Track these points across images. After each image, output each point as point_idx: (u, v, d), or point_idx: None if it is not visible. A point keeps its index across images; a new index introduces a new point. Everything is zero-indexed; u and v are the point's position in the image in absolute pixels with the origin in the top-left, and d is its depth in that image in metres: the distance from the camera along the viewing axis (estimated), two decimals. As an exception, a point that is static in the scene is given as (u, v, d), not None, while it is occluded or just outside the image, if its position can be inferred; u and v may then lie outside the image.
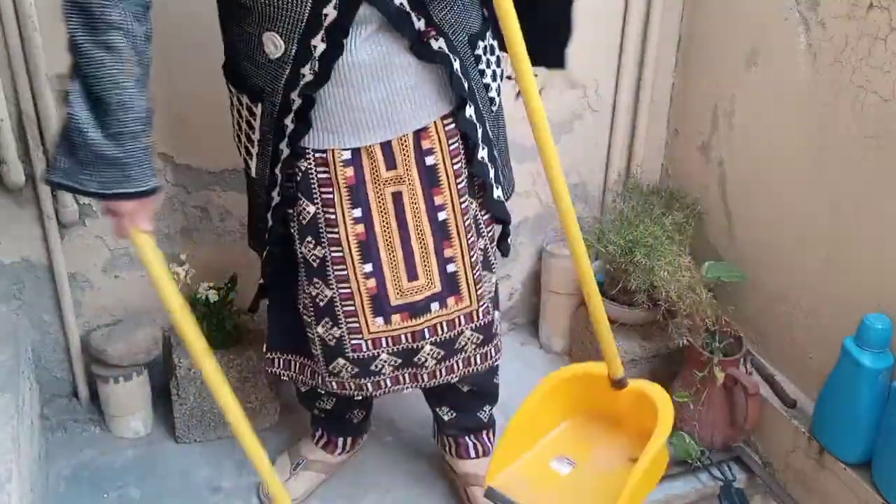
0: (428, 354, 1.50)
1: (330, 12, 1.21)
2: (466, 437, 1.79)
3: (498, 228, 1.57)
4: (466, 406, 1.75)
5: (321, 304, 1.45)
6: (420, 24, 1.28)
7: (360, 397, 1.58)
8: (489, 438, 1.82)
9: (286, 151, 1.36)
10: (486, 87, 1.45)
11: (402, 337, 1.48)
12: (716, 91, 2.05)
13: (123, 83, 1.15)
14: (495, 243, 1.58)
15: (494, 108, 1.48)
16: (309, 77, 1.27)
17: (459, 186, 1.41)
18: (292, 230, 1.43)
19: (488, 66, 1.44)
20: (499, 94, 1.49)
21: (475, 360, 1.56)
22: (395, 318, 1.46)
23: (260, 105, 1.35)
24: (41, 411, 1.91)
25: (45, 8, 1.61)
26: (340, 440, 1.83)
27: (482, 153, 1.43)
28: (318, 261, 1.42)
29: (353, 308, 1.44)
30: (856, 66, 1.64)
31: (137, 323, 1.91)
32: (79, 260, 1.86)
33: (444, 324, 1.49)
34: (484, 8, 1.42)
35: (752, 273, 1.98)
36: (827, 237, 1.77)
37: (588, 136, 2.20)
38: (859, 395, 1.62)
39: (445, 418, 1.77)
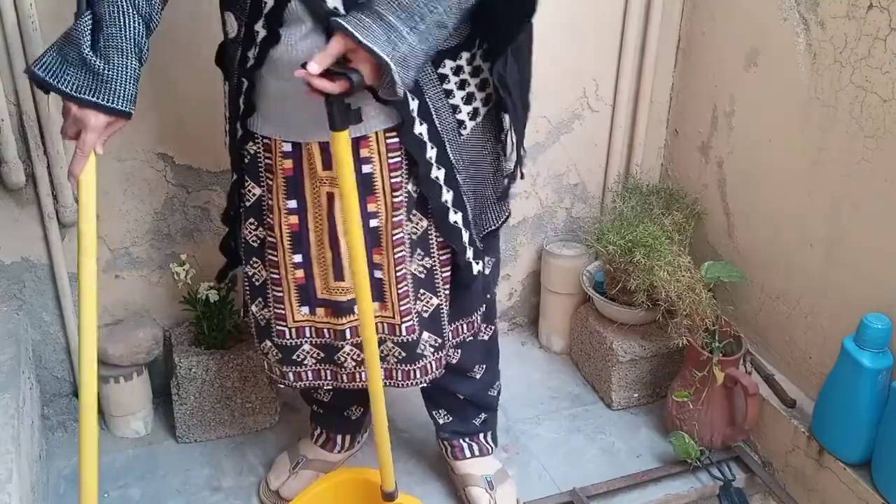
0: (348, 355, 1.50)
1: (269, 1, 1.24)
2: (461, 440, 1.79)
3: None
4: (461, 411, 1.76)
5: (256, 283, 1.51)
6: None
7: (282, 385, 1.60)
8: (485, 439, 1.82)
9: (240, 131, 1.41)
10: (454, 108, 1.39)
11: (325, 331, 1.49)
12: (716, 91, 2.05)
13: (124, 4, 1.21)
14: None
15: (464, 132, 1.42)
16: (252, 61, 1.31)
17: (395, 200, 1.38)
18: (240, 209, 1.48)
19: (461, 88, 1.39)
20: (474, 118, 1.43)
21: (396, 374, 1.54)
22: (320, 311, 1.47)
23: (227, 84, 1.41)
24: (41, 411, 1.91)
25: (45, 8, 1.61)
26: (339, 437, 1.83)
27: (436, 173, 1.39)
28: (257, 241, 1.47)
29: (281, 294, 1.46)
30: (856, 66, 1.64)
31: (137, 323, 1.91)
32: (79, 260, 1.85)
33: None
34: (472, 26, 1.37)
35: (752, 273, 1.98)
36: (827, 237, 1.77)
37: (588, 136, 2.20)
38: (859, 394, 1.62)
39: (441, 421, 1.78)
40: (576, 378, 2.22)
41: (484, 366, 1.71)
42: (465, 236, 1.46)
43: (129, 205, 1.85)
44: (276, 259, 1.44)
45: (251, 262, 1.50)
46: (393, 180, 1.37)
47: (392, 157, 1.36)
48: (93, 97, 1.17)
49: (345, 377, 1.53)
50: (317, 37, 1.23)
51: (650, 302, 1.91)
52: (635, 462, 1.93)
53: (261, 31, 1.26)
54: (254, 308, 1.53)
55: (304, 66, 1.13)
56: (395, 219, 1.40)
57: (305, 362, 1.53)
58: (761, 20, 1.87)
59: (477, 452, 1.80)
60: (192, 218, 1.92)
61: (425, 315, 1.49)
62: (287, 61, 1.26)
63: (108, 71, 1.18)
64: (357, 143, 1.34)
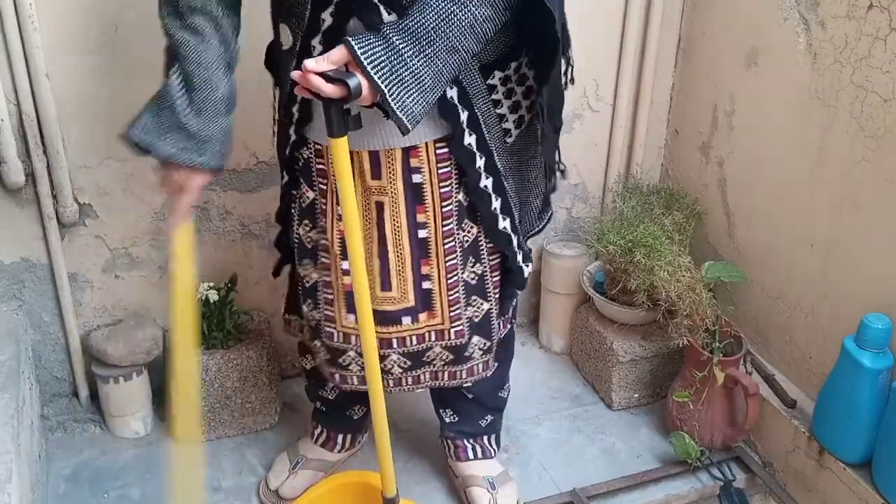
0: (394, 363, 1.51)
1: (327, 18, 1.25)
2: (465, 440, 1.79)
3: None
4: (468, 412, 1.77)
5: (307, 285, 1.52)
6: None
7: (331, 385, 1.61)
8: (489, 442, 1.82)
9: (293, 137, 1.44)
10: (501, 117, 1.41)
11: None
12: (716, 91, 2.05)
13: (208, 62, 1.25)
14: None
15: (510, 140, 1.44)
16: None
17: (444, 209, 1.40)
18: (293, 210, 1.51)
19: (508, 97, 1.40)
20: (519, 126, 1.44)
21: (443, 375, 1.56)
22: None
23: (278, 90, 1.45)
24: (41, 411, 1.91)
25: (45, 8, 1.61)
26: (340, 437, 1.83)
27: (485, 182, 1.41)
28: (311, 243, 1.49)
29: (331, 297, 1.48)
30: (856, 66, 1.64)
31: (137, 323, 1.91)
32: (79, 260, 1.86)
33: (413, 337, 1.49)
34: (515, 36, 1.37)
35: (752, 273, 1.98)
36: (827, 237, 1.77)
37: (588, 135, 2.20)
38: (859, 394, 1.62)
39: (447, 420, 1.78)
40: (576, 378, 2.22)
41: (496, 364, 1.71)
42: (515, 241, 1.49)
43: (129, 205, 1.85)
44: (328, 262, 1.46)
45: (303, 262, 1.52)
46: (443, 190, 1.39)
47: (442, 168, 1.38)
48: (193, 161, 1.25)
49: (391, 382, 1.54)
50: None
51: (650, 302, 1.91)
52: (635, 462, 1.93)
53: (318, 46, 1.28)
54: (305, 309, 1.54)
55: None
56: (445, 228, 1.41)
57: (351, 367, 1.53)
58: (761, 20, 1.87)
59: (480, 455, 1.80)
60: (192, 218, 1.91)
61: (476, 320, 1.52)
62: None
63: (206, 132, 1.25)
64: (407, 152, 1.36)
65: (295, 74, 1.16)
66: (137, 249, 1.90)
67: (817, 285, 1.81)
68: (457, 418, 1.77)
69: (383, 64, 1.14)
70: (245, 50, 1.82)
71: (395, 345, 1.49)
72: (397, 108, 1.16)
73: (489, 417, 1.79)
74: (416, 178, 1.38)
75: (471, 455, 1.79)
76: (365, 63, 1.13)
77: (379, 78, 1.13)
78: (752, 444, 1.95)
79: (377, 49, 1.14)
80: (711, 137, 2.09)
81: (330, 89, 1.14)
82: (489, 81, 1.36)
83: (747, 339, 1.96)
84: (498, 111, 1.40)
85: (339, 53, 1.15)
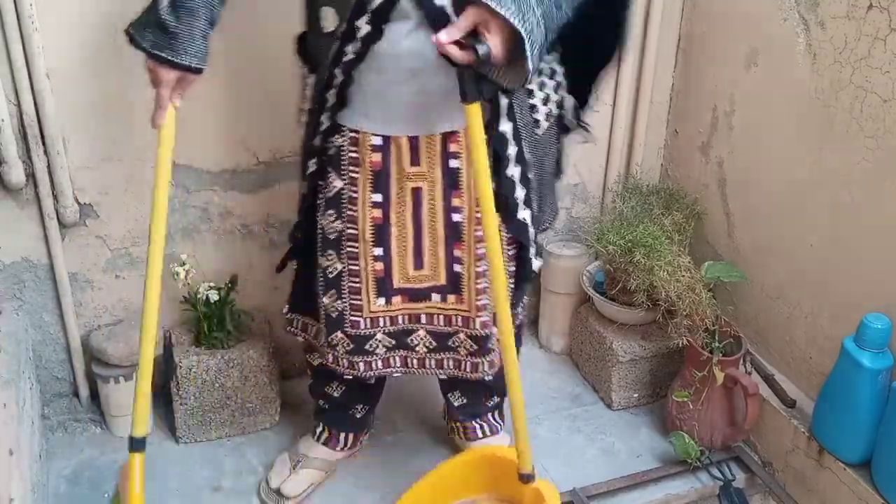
0: (421, 340, 1.56)
1: None
2: (474, 421, 1.84)
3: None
4: (477, 395, 1.80)
5: (330, 276, 1.52)
6: None
7: (351, 376, 1.60)
8: (494, 418, 1.86)
9: (325, 123, 1.44)
10: (532, 107, 1.46)
11: (400, 318, 1.54)
12: (716, 91, 2.05)
13: None
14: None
15: (539, 132, 1.48)
16: (351, 55, 1.33)
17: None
18: (319, 201, 1.50)
19: (541, 89, 1.46)
20: (548, 119, 1.49)
21: (465, 366, 1.59)
22: (396, 299, 1.52)
23: (313, 76, 1.45)
24: (41, 411, 1.91)
25: (45, 8, 1.61)
26: (342, 435, 1.83)
27: (512, 170, 1.44)
28: (334, 234, 1.49)
29: (358, 285, 1.50)
30: (856, 66, 1.64)
31: (137, 323, 1.91)
32: (79, 260, 1.86)
33: (442, 317, 1.54)
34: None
35: (752, 273, 1.98)
36: (827, 237, 1.77)
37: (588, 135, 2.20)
38: (859, 395, 1.62)
39: (456, 403, 1.82)
40: (576, 378, 2.22)
41: None
42: (531, 233, 1.52)
43: (129, 205, 1.85)
44: (356, 251, 1.48)
45: (326, 254, 1.52)
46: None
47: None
48: (163, 53, 1.27)
49: (415, 362, 1.59)
50: (421, 34, 1.28)
51: (650, 302, 1.91)
52: (635, 462, 1.93)
53: (363, 27, 1.30)
54: (326, 300, 1.54)
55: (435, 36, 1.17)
56: (478, 214, 1.43)
57: (377, 351, 1.57)
58: (761, 20, 1.87)
59: (489, 432, 1.85)
60: (192, 218, 1.92)
61: (493, 310, 1.54)
62: (389, 57, 1.32)
63: (178, 30, 1.27)
64: (446, 137, 1.40)
65: (434, 39, 1.16)
66: (138, 249, 1.90)
67: (817, 285, 1.81)
68: (465, 400, 1.81)
69: (515, 13, 1.15)
70: (244, 57, 1.82)
71: (423, 320, 1.54)
72: (529, 61, 1.17)
73: (496, 398, 1.83)
74: (452, 164, 1.42)
75: (480, 434, 1.84)
76: (503, 13, 1.14)
77: (519, 24, 1.14)
78: (752, 444, 1.95)
79: (509, 3, 1.15)
80: (711, 137, 2.09)
81: (461, 55, 1.16)
82: None
83: (747, 339, 1.96)
84: (530, 101, 1.45)
85: (467, 17, 1.16)
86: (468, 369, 1.59)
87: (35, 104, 1.67)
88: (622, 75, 2.13)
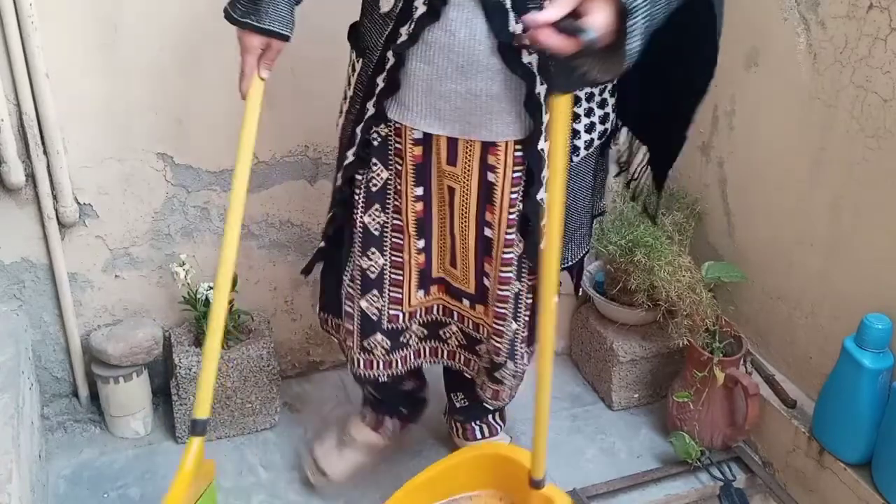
0: (454, 334, 1.56)
1: None
2: (474, 423, 1.84)
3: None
4: (478, 397, 1.76)
5: (371, 276, 1.48)
6: (516, 28, 1.23)
7: (385, 378, 1.57)
8: (495, 420, 1.85)
9: (371, 111, 1.38)
10: (574, 132, 1.38)
11: (435, 307, 1.54)
12: (716, 91, 2.05)
13: None
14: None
15: (575, 159, 1.40)
16: (404, 37, 1.29)
17: (510, 217, 1.38)
18: (357, 196, 1.44)
19: (587, 115, 1.39)
20: (588, 149, 1.42)
21: (485, 381, 1.58)
22: (433, 288, 1.51)
23: (361, 61, 1.39)
24: (41, 411, 1.91)
25: (45, 8, 1.61)
26: (388, 421, 1.79)
27: (542, 194, 1.35)
28: (378, 229, 1.45)
29: (400, 278, 1.48)
30: (856, 66, 1.64)
31: (137, 323, 1.91)
32: (79, 260, 1.86)
33: (471, 321, 1.53)
34: None
35: (752, 273, 1.98)
36: (827, 237, 1.77)
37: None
38: (859, 395, 1.62)
39: (458, 405, 1.81)
40: (576, 378, 2.22)
41: None
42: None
43: (129, 205, 1.85)
44: (400, 242, 1.46)
45: (368, 252, 1.46)
46: (512, 195, 1.37)
47: (516, 171, 1.35)
48: (245, 19, 1.28)
49: (445, 353, 1.58)
50: (476, 27, 1.23)
51: (650, 302, 1.91)
52: (635, 462, 1.93)
53: (420, 6, 1.25)
54: (363, 303, 1.50)
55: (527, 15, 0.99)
56: (507, 236, 1.39)
57: (410, 343, 1.56)
58: (761, 20, 1.87)
59: (487, 433, 1.84)
60: (192, 218, 1.92)
61: (507, 337, 1.50)
62: (441, 46, 1.26)
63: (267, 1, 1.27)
64: (486, 148, 1.34)
65: (528, 18, 0.97)
66: (137, 249, 1.90)
67: (817, 285, 1.81)
68: (467, 403, 1.80)
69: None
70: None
71: (455, 317, 1.54)
72: (632, 42, 0.98)
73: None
74: (489, 177, 1.36)
75: (478, 435, 1.84)
76: None
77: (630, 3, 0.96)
78: (752, 444, 1.95)
79: None
80: (711, 137, 2.09)
81: (566, 44, 0.97)
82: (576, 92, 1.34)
83: (747, 339, 1.96)
84: (574, 125, 1.37)
85: None
86: (487, 394, 1.60)
87: (35, 104, 1.67)
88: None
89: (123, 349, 1.85)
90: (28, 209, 1.76)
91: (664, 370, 2.08)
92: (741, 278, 1.95)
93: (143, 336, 1.88)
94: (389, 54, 1.31)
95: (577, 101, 1.36)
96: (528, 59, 1.26)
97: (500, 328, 1.47)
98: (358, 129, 1.40)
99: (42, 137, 1.70)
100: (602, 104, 1.41)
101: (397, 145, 1.39)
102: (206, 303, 1.86)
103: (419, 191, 1.41)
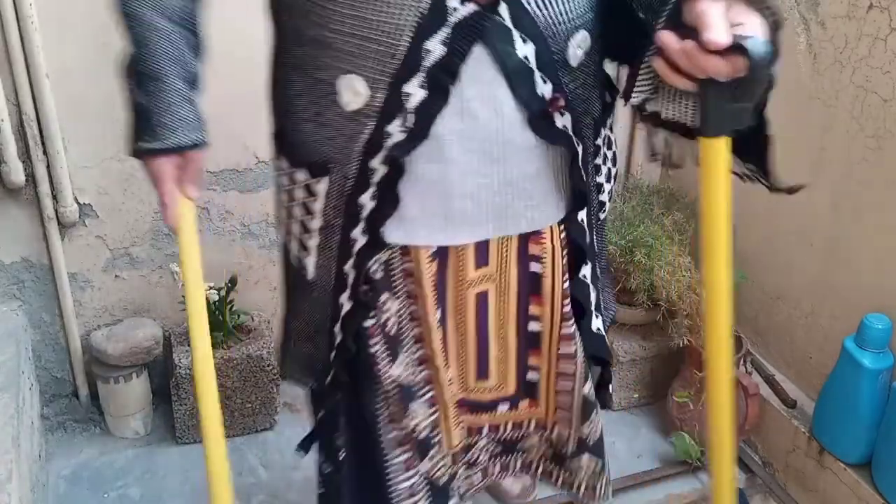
0: (482, 449, 1.25)
1: (435, 48, 0.90)
2: None
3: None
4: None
5: (419, 436, 1.14)
6: (545, 90, 0.97)
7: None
8: None
9: (361, 240, 1.02)
10: (599, 187, 1.16)
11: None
12: (716, 91, 2.05)
13: (141, 14, 1.00)
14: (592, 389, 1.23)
15: (603, 216, 1.20)
16: (398, 136, 0.94)
17: (566, 309, 1.13)
18: (373, 349, 1.08)
19: (604, 163, 1.16)
20: (610, 200, 1.20)
21: (537, 466, 1.30)
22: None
23: (325, 181, 1.01)
24: (41, 411, 1.91)
25: (45, 8, 1.61)
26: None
27: (585, 270, 1.12)
28: (411, 377, 1.12)
29: (436, 411, 1.16)
30: (856, 66, 1.64)
31: (137, 323, 1.91)
32: (79, 260, 1.86)
33: (510, 424, 1.25)
34: (607, 91, 1.16)
35: (752, 273, 1.98)
36: (827, 237, 1.77)
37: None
38: (859, 395, 1.62)
39: None
40: (576, 378, 2.22)
41: None
42: (608, 345, 1.24)
43: (129, 205, 1.85)
44: (433, 382, 1.14)
45: (410, 411, 1.12)
46: (565, 285, 1.12)
47: (565, 255, 1.11)
48: (146, 145, 0.99)
49: (477, 477, 1.28)
50: (502, 98, 0.94)
51: (650, 302, 1.91)
52: (636, 462, 1.93)
53: (416, 92, 0.91)
54: (426, 466, 1.16)
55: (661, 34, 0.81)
56: (564, 331, 1.14)
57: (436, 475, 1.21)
58: (761, 20, 1.87)
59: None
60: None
61: (595, 437, 1.29)
62: (459, 135, 0.95)
63: (151, 105, 0.98)
64: (526, 239, 1.08)
65: (666, 40, 0.78)
66: (137, 249, 1.90)
67: (817, 285, 1.81)
68: None
69: None
70: (244, 54, 1.82)
71: (484, 432, 1.24)
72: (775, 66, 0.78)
73: None
74: (533, 268, 1.10)
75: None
76: None
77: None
78: (752, 444, 1.95)
79: None
80: (711, 137, 2.09)
81: (731, 67, 0.78)
82: (596, 142, 1.11)
83: (747, 339, 1.96)
84: (598, 179, 1.14)
85: (725, 7, 0.79)
86: (539, 470, 1.29)
87: (34, 104, 1.67)
88: (622, 75, 2.12)
89: (123, 349, 1.85)
90: (28, 209, 1.76)
91: (664, 370, 2.08)
92: (741, 278, 1.95)
93: (143, 336, 1.88)
94: (376, 164, 0.96)
95: (597, 151, 1.13)
96: (562, 121, 1.01)
97: (566, 402, 1.22)
98: (347, 267, 1.04)
99: (42, 137, 1.70)
100: (610, 143, 1.18)
101: (406, 264, 1.06)
102: (207, 303, 1.85)
103: (437, 314, 1.10)
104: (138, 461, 1.88)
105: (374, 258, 1.03)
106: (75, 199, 1.79)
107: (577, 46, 0.99)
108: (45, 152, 1.71)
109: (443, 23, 0.89)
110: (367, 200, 0.99)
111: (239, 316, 1.93)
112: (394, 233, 1.01)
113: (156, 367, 1.98)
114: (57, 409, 1.96)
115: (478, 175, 0.99)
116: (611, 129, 1.16)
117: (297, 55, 0.99)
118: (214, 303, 1.86)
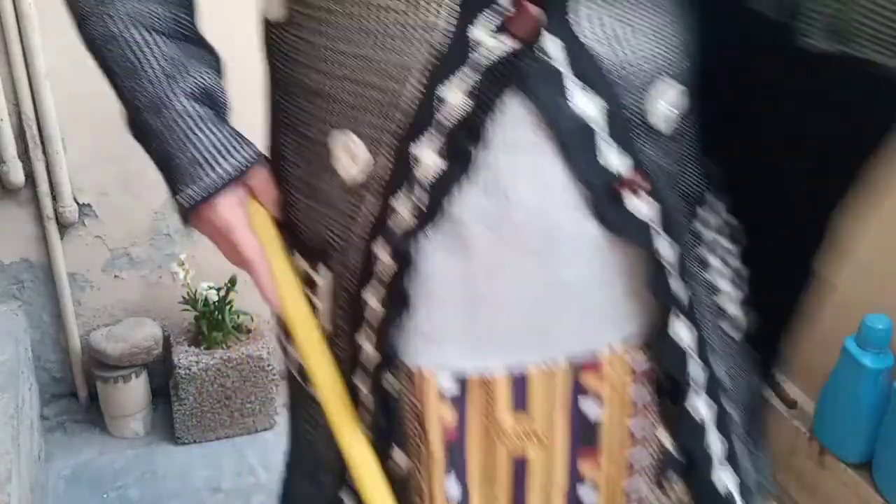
0: None
1: (452, 97, 0.64)
2: None
3: None
4: None
5: None
6: (617, 163, 0.67)
7: None
8: None
9: (370, 351, 0.74)
10: (712, 288, 0.82)
11: None
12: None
13: (125, 34, 0.80)
14: None
15: (733, 333, 0.88)
16: (406, 218, 0.68)
17: (631, 457, 0.78)
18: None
19: (713, 252, 0.82)
20: (747, 315, 0.90)
21: None
22: None
23: (324, 269, 0.76)
24: (41, 411, 1.91)
25: (45, 8, 1.61)
26: None
27: (700, 407, 0.77)
28: None
29: None
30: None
31: (137, 323, 1.91)
32: (79, 260, 1.86)
33: None
34: (708, 158, 0.80)
35: (753, 273, 1.98)
36: (827, 237, 1.76)
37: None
38: (860, 395, 1.62)
39: None
40: (576, 378, 2.21)
41: None
42: None
43: (129, 205, 1.85)
44: None
45: None
46: (633, 428, 0.77)
47: (636, 388, 0.77)
48: (200, 193, 0.77)
49: None
50: (549, 170, 0.66)
51: (651, 302, 1.90)
52: (636, 463, 1.92)
53: (428, 157, 0.66)
54: None
55: None
56: (630, 490, 0.79)
57: None
58: (762, 20, 1.86)
59: None
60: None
61: None
62: (486, 219, 0.68)
63: (167, 141, 0.78)
64: (578, 369, 0.75)
65: None
66: (137, 249, 1.90)
67: (817, 285, 1.81)
68: None
69: None
70: (244, 51, 1.82)
71: None
72: None
73: None
74: (587, 409, 0.76)
75: None
76: None
77: None
78: (753, 444, 1.94)
79: None
80: (712, 137, 2.09)
81: None
82: (692, 226, 0.79)
83: (748, 339, 1.96)
84: (705, 276, 0.81)
85: None
86: None
87: (34, 104, 1.67)
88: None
89: (123, 349, 1.85)
90: (28, 209, 1.76)
91: (664, 370, 2.07)
92: (741, 278, 1.95)
93: (143, 336, 1.88)
94: (377, 250, 0.70)
95: (697, 236, 0.81)
96: (646, 208, 0.69)
97: None
98: (360, 382, 0.76)
99: (41, 137, 1.70)
100: (717, 228, 0.86)
101: (413, 404, 0.74)
102: (206, 303, 1.86)
103: (453, 490, 0.75)
104: (138, 461, 1.88)
105: (386, 378, 0.73)
106: (75, 199, 1.79)
107: (667, 103, 0.70)
108: (44, 152, 1.71)
109: (463, 62, 0.63)
110: (370, 299, 0.72)
111: (239, 316, 1.92)
112: (406, 350, 0.73)
113: (155, 368, 1.98)
114: (56, 410, 1.96)
115: (513, 275, 0.69)
116: (723, 209, 0.84)
117: (286, 109, 0.77)
118: (214, 303, 1.86)
